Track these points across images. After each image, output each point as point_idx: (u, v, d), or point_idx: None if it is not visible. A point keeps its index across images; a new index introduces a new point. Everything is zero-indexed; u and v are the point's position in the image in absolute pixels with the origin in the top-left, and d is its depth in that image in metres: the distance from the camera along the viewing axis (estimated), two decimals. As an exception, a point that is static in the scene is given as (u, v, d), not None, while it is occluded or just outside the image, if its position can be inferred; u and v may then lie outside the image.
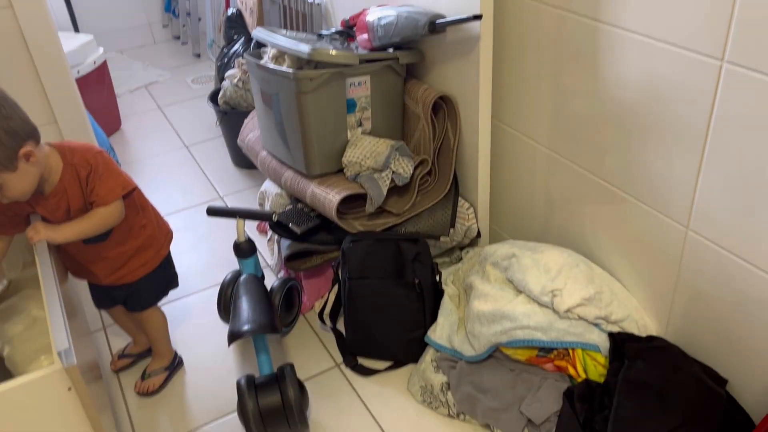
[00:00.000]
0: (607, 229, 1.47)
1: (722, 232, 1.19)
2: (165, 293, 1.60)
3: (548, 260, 1.46)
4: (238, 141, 2.14)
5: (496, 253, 1.55)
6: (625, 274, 1.46)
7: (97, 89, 2.83)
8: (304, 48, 1.60)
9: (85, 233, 1.32)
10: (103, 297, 1.57)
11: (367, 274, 1.58)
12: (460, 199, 1.75)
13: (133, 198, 1.42)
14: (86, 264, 1.46)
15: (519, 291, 1.45)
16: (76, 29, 3.21)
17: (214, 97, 2.59)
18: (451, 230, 1.71)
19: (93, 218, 1.33)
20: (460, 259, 1.80)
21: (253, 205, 2.23)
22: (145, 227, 1.47)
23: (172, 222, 1.60)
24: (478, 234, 1.77)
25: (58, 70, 1.68)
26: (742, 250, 1.17)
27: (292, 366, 1.46)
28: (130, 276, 1.48)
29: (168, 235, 1.56)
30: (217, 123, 2.62)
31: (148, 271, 1.50)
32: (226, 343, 1.47)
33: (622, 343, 1.34)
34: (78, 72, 2.66)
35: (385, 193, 1.66)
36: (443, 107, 1.71)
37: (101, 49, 2.86)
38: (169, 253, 1.57)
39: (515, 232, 1.79)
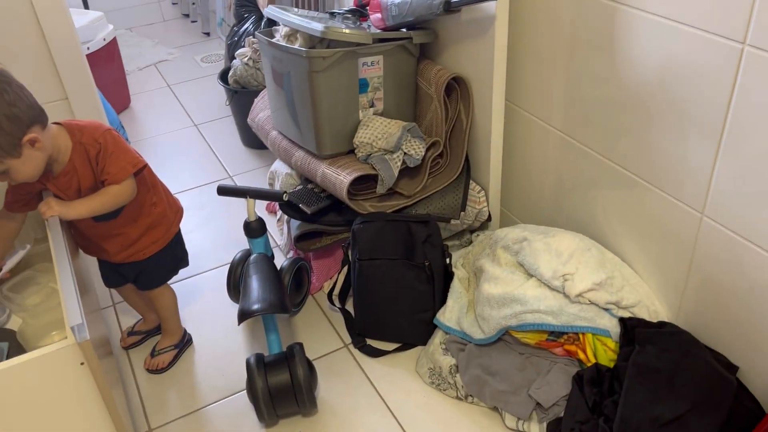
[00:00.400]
0: (619, 214, 1.46)
1: (738, 218, 1.18)
2: (175, 272, 1.60)
3: (560, 244, 1.45)
4: (248, 120, 2.14)
5: (507, 236, 1.54)
6: (637, 260, 1.46)
7: (106, 66, 2.82)
8: (317, 26, 1.59)
9: (97, 210, 1.32)
10: (114, 275, 1.58)
11: (377, 255, 1.58)
12: (471, 181, 1.74)
13: (143, 175, 1.42)
14: (97, 241, 1.46)
15: (530, 275, 1.45)
16: (86, 6, 3.20)
17: (224, 76, 2.57)
18: (462, 213, 1.71)
19: (105, 195, 1.33)
20: (471, 242, 1.80)
21: (263, 185, 2.22)
22: (155, 205, 1.47)
23: (181, 201, 1.60)
24: (489, 217, 1.76)
25: (70, 47, 1.67)
26: (757, 236, 1.16)
27: (301, 345, 1.46)
28: (141, 254, 1.49)
29: (178, 212, 1.56)
30: (227, 102, 2.61)
31: (158, 248, 1.51)
32: (236, 322, 1.47)
33: (632, 329, 1.34)
34: (88, 48, 2.65)
35: (396, 174, 1.66)
36: (456, 88, 1.69)
37: (111, 26, 2.85)
38: (180, 230, 1.57)
39: (526, 216, 1.78)
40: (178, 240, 1.57)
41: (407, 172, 1.71)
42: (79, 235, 1.47)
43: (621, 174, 1.41)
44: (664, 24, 1.18)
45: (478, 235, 1.78)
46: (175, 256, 1.58)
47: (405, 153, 1.68)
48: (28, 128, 1.18)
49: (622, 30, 1.28)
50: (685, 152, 1.24)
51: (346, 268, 1.72)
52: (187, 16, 3.94)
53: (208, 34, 3.74)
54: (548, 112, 1.55)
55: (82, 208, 1.31)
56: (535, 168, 1.67)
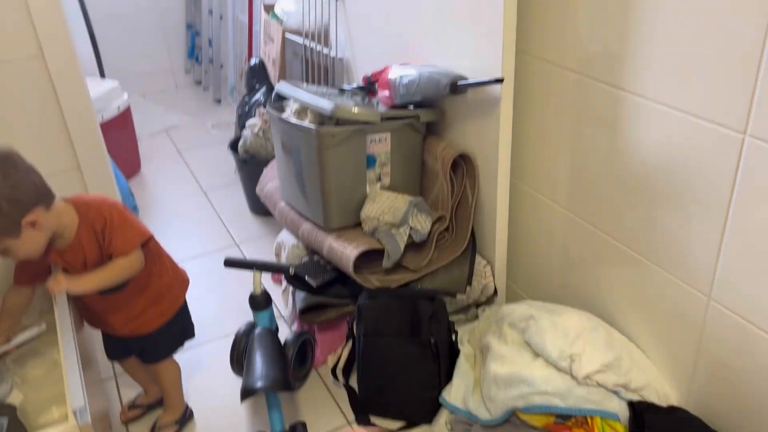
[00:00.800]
0: (625, 293, 1.46)
1: (746, 303, 1.18)
2: (181, 344, 1.59)
3: (567, 323, 1.45)
4: (257, 190, 2.16)
5: (514, 313, 1.53)
6: (645, 340, 1.44)
7: (119, 133, 2.88)
8: (326, 105, 1.63)
9: (105, 284, 1.33)
10: (117, 348, 1.57)
11: (383, 331, 1.57)
12: (477, 256, 1.75)
13: (149, 247, 1.43)
14: (102, 314, 1.46)
15: (537, 354, 1.43)
16: (102, 73, 3.30)
17: (234, 145, 2.62)
18: (468, 288, 1.71)
19: (113, 268, 1.34)
20: (477, 317, 1.79)
21: (269, 253, 2.23)
22: (161, 276, 1.48)
23: (187, 268, 1.60)
24: (495, 292, 1.76)
25: (85, 119, 1.71)
26: (766, 322, 1.15)
27: (304, 425, 1.44)
28: (146, 327, 1.48)
29: (184, 282, 1.57)
30: (236, 171, 2.65)
31: (164, 321, 1.50)
32: (239, 398, 1.45)
33: (642, 413, 1.31)
34: (102, 117, 2.72)
35: (402, 248, 1.66)
36: (462, 165, 1.72)
37: (126, 95, 2.93)
38: (186, 302, 1.57)
39: (532, 291, 1.77)
40: (183, 311, 1.57)
41: (413, 246, 1.72)
42: (85, 308, 1.47)
43: (626, 253, 1.41)
44: (665, 111, 1.21)
45: (484, 310, 1.77)
46: (181, 328, 1.57)
47: (411, 227, 1.69)
48: (29, 210, 1.20)
49: (624, 114, 1.31)
50: (690, 234, 1.25)
51: (350, 343, 1.71)
52: (199, 83, 4.05)
53: (219, 101, 3.84)
54: (553, 189, 1.57)
55: (90, 283, 1.32)
56: (540, 244, 1.68)
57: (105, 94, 2.79)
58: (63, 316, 1.22)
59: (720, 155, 1.13)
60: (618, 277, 1.46)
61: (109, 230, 1.32)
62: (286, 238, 2.01)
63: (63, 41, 1.63)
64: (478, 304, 1.82)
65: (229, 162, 2.85)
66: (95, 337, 1.65)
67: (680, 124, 1.19)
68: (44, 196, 1.24)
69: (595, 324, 1.46)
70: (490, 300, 1.80)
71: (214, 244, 2.47)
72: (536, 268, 1.73)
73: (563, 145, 1.50)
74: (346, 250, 1.65)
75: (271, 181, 2.10)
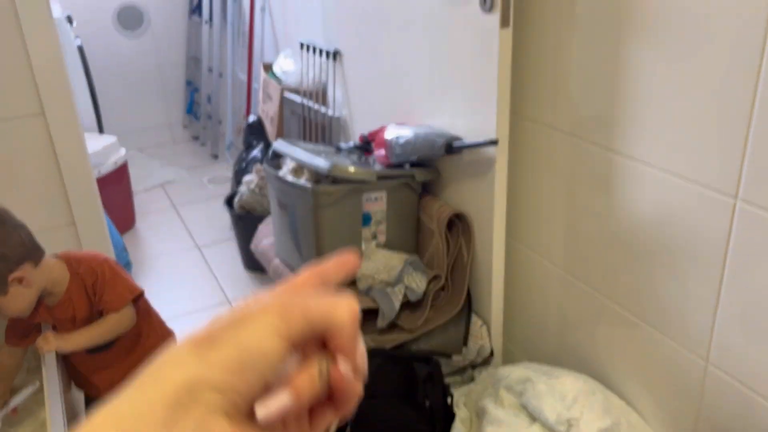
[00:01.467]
0: (622, 355, 1.44)
1: (745, 368, 1.16)
2: None
3: (564, 386, 1.42)
4: (252, 246, 2.16)
5: (510, 376, 1.51)
6: (643, 404, 1.42)
7: (115, 188, 2.89)
8: (323, 163, 1.65)
9: (96, 341, 1.31)
10: None
11: (376, 394, 1.54)
12: (473, 316, 1.73)
13: (139, 305, 1.42)
14: (87, 374, 1.43)
15: (534, 418, 1.41)
16: (101, 129, 3.33)
17: (229, 201, 2.63)
18: (464, 348, 1.68)
19: (104, 325, 1.32)
20: (473, 378, 1.76)
21: (261, 310, 2.21)
22: (149, 337, 1.46)
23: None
24: (492, 353, 1.74)
25: (82, 176, 1.72)
26: (765, 388, 1.14)
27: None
28: None
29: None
30: (232, 227, 2.65)
31: None
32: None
33: (642, 481, 1.28)
34: (99, 172, 2.73)
35: (397, 308, 1.65)
36: (458, 224, 1.73)
37: (123, 150, 2.95)
38: None
39: (529, 352, 1.75)
40: None
41: (409, 305, 1.71)
42: (72, 368, 1.44)
43: (622, 315, 1.41)
44: (657, 174, 1.23)
45: (480, 371, 1.74)
46: None
47: (407, 286, 1.68)
48: (16, 266, 1.19)
49: (617, 176, 1.32)
50: (685, 297, 1.24)
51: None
52: (196, 138, 4.10)
53: (216, 156, 3.87)
54: (548, 249, 1.58)
55: (80, 339, 1.30)
56: (537, 304, 1.67)
57: (102, 149, 2.81)
58: (51, 376, 1.19)
59: (712, 219, 1.14)
60: (615, 339, 1.45)
61: (100, 285, 1.31)
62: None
63: (64, 100, 1.65)
64: (474, 366, 1.80)
65: (224, 218, 2.85)
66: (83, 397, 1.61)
67: (672, 187, 1.20)
68: (32, 253, 1.23)
69: (593, 387, 1.44)
70: (486, 361, 1.77)
71: (207, 301, 2.44)
72: (533, 329, 1.72)
73: (558, 205, 1.51)
74: (340, 309, 1.63)
75: (266, 237, 2.10)
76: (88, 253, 1.38)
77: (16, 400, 1.35)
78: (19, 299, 1.22)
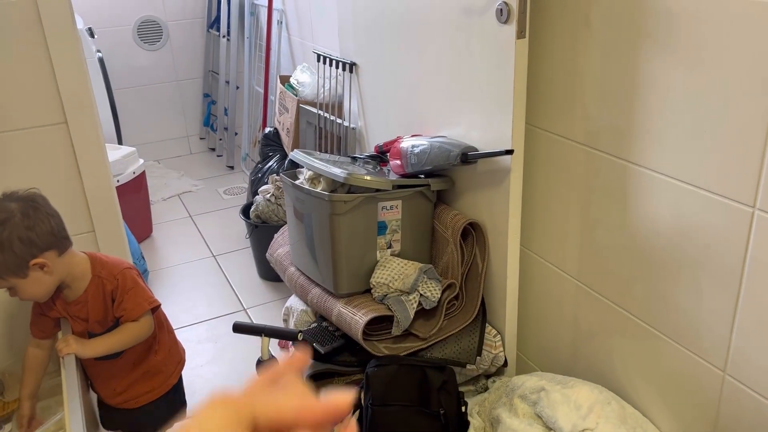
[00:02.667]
0: (638, 366, 1.43)
1: (763, 379, 1.16)
2: (167, 424, 1.56)
3: (579, 396, 1.42)
4: (267, 255, 2.18)
5: (524, 385, 1.51)
6: (659, 416, 1.41)
7: (133, 197, 2.93)
8: (339, 172, 1.66)
9: (114, 348, 1.33)
10: (108, 419, 1.54)
11: (391, 401, 1.54)
12: (487, 325, 1.73)
13: (155, 315, 1.43)
14: (94, 380, 1.45)
15: (548, 427, 1.40)
16: (120, 140, 3.39)
17: (245, 211, 2.66)
18: (478, 358, 1.68)
19: (123, 333, 1.34)
20: (487, 388, 1.75)
21: (277, 318, 2.22)
22: (157, 352, 1.47)
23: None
24: (505, 363, 1.73)
25: (103, 184, 1.75)
26: (783, 398, 1.13)
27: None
28: (133, 401, 1.46)
29: (180, 363, 1.55)
30: (247, 235, 2.68)
31: (153, 398, 1.48)
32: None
33: (659, 492, 1.27)
34: (118, 181, 2.77)
35: (412, 316, 1.66)
36: (472, 233, 1.73)
37: (141, 161, 3.00)
38: (180, 381, 1.55)
39: (543, 362, 1.75)
40: (176, 391, 1.54)
41: (423, 313, 1.71)
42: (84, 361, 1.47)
43: (637, 325, 1.40)
44: (673, 184, 1.23)
45: (494, 381, 1.74)
46: (170, 407, 1.54)
47: (421, 294, 1.69)
48: (40, 252, 1.22)
49: (633, 186, 1.33)
50: (702, 307, 1.24)
51: (357, 412, 1.67)
52: (213, 150, 4.14)
53: (232, 167, 3.91)
54: (563, 259, 1.58)
55: (99, 346, 1.32)
56: (551, 314, 1.67)
57: (121, 159, 2.86)
58: (70, 378, 1.21)
59: (730, 229, 1.14)
60: (630, 349, 1.45)
61: (119, 293, 1.33)
62: (294, 303, 2.01)
63: (87, 109, 1.69)
64: (488, 375, 1.80)
65: (240, 227, 2.88)
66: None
67: (688, 196, 1.20)
68: (59, 242, 1.26)
69: (608, 397, 1.43)
70: (500, 371, 1.77)
71: (223, 309, 2.46)
72: (547, 338, 1.71)
73: (572, 215, 1.51)
74: (355, 317, 1.65)
75: (281, 246, 2.12)
76: (113, 259, 1.40)
77: (45, 426, 1.38)
78: (37, 285, 1.25)
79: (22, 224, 1.19)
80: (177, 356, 1.54)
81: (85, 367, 1.43)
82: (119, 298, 1.33)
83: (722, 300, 1.19)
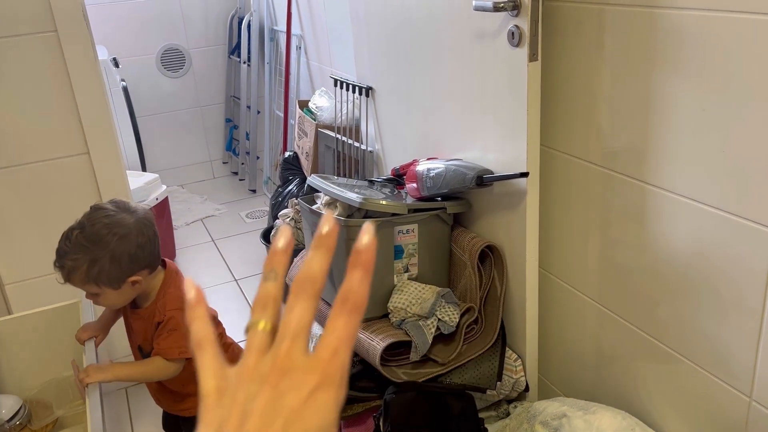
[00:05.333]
0: (662, 391, 1.40)
1: (790, 404, 1.12)
2: None
3: (601, 422, 1.39)
4: (287, 279, 2.18)
5: (546, 411, 1.48)
6: (686, 442, 1.37)
7: (156, 223, 2.97)
8: (355, 197, 1.67)
9: (134, 378, 1.35)
10: (171, 422, 1.57)
11: (410, 429, 1.52)
12: (507, 349, 1.71)
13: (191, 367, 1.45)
14: (151, 391, 1.47)
15: (570, 455, 1.37)
16: (144, 167, 3.45)
17: (266, 235, 2.68)
18: (498, 383, 1.66)
19: (148, 365, 1.35)
20: (508, 413, 1.73)
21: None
22: (192, 399, 1.49)
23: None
24: (527, 387, 1.71)
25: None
26: (813, 426, 1.09)
27: None
28: (187, 411, 1.49)
29: None
30: (267, 259, 2.69)
31: None
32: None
33: None
34: (141, 207, 2.82)
35: (430, 341, 1.64)
36: (490, 256, 1.72)
37: (164, 187, 3.04)
38: None
39: (565, 386, 1.72)
40: None
41: (441, 338, 1.70)
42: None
43: (660, 349, 1.37)
44: (693, 206, 1.21)
45: (515, 406, 1.72)
46: None
47: (439, 319, 1.67)
48: (140, 270, 1.25)
49: (652, 208, 1.31)
50: (725, 330, 1.21)
51: (377, 438, 1.66)
52: (235, 173, 4.19)
53: (254, 191, 3.95)
54: (583, 281, 1.56)
55: (121, 372, 1.34)
56: (572, 337, 1.65)
57: (144, 185, 2.90)
58: (94, 409, 1.22)
59: (753, 250, 1.12)
60: (653, 374, 1.41)
61: (161, 328, 1.35)
62: (313, 328, 2.01)
63: (108, 139, 1.73)
64: (509, 400, 1.77)
65: (261, 251, 2.90)
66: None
67: (710, 218, 1.18)
68: (155, 262, 1.30)
69: (632, 423, 1.40)
70: (521, 396, 1.74)
71: (243, 334, 2.47)
72: (569, 363, 1.69)
73: (591, 237, 1.49)
74: (373, 342, 1.64)
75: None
76: (176, 292, 1.38)
77: None
78: (123, 296, 1.31)
79: (135, 242, 1.23)
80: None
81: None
82: (158, 333, 1.35)
83: (746, 323, 1.16)
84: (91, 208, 1.27)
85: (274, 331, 0.39)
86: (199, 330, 0.41)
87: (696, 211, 1.20)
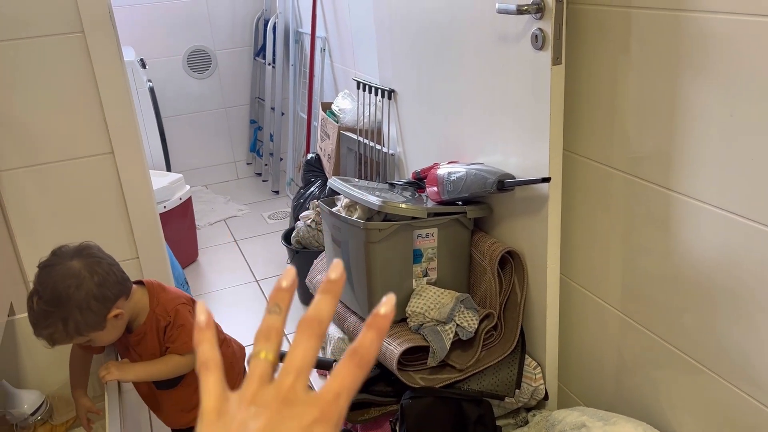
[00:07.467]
0: (685, 404, 1.37)
1: (818, 421, 1.08)
2: None
3: (621, 434, 1.36)
4: (306, 281, 2.19)
5: (565, 420, 1.46)
6: (709, 456, 1.34)
7: (179, 222, 3.00)
8: (374, 200, 1.66)
9: (155, 376, 1.35)
10: None
11: (426, 434, 1.51)
12: (526, 357, 1.69)
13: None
14: (153, 407, 1.47)
15: (589, 466, 1.35)
16: (168, 167, 3.49)
17: (287, 236, 2.69)
18: (517, 391, 1.64)
19: (166, 363, 1.36)
20: (526, 422, 1.70)
21: (315, 345, 2.22)
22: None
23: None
24: (546, 396, 1.68)
25: (147, 212, 1.80)
26: (843, 444, 1.05)
27: None
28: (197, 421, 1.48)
29: (240, 374, 1.57)
30: (288, 261, 2.70)
31: None
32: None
33: None
34: (164, 207, 2.85)
35: (448, 347, 1.63)
36: (510, 261, 1.70)
37: (188, 187, 3.07)
38: None
39: (586, 396, 1.69)
40: None
41: (460, 343, 1.68)
42: (139, 388, 1.49)
43: (684, 360, 1.34)
44: (720, 214, 1.18)
45: (534, 414, 1.69)
46: None
47: (458, 324, 1.66)
48: (113, 304, 1.24)
49: (677, 215, 1.28)
50: (754, 343, 1.17)
51: (393, 444, 1.65)
52: (259, 175, 4.22)
53: (277, 192, 3.97)
54: (605, 289, 1.53)
55: (141, 372, 1.34)
56: (593, 345, 1.62)
57: (168, 185, 2.94)
58: (113, 406, 1.23)
59: (779, 260, 1.08)
60: (676, 385, 1.38)
61: (171, 329, 1.35)
62: (332, 331, 2.00)
63: (132, 139, 1.74)
64: (528, 408, 1.74)
65: (283, 252, 2.91)
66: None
67: (736, 226, 1.15)
68: (125, 287, 1.28)
69: (653, 436, 1.37)
70: (540, 404, 1.72)
71: (263, 334, 2.48)
72: (590, 371, 1.66)
73: (614, 243, 1.46)
74: (390, 347, 1.63)
75: (320, 273, 2.12)
76: (170, 293, 1.39)
77: None
78: (113, 332, 1.28)
79: (92, 283, 1.20)
80: (237, 368, 1.56)
81: (144, 394, 1.46)
82: (170, 332, 1.35)
83: (773, 336, 1.13)
84: (38, 268, 1.23)
85: (275, 361, 0.42)
86: (206, 352, 0.43)
87: (722, 219, 1.17)
